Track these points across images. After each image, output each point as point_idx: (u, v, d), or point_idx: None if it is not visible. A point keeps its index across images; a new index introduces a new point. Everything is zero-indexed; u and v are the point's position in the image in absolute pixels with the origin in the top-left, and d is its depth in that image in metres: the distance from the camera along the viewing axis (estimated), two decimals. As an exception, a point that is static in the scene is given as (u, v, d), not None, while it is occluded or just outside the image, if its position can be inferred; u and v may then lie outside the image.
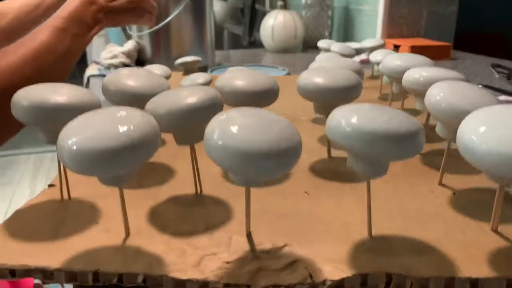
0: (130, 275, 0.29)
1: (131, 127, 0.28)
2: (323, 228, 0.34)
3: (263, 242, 0.32)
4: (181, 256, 0.30)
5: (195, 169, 0.39)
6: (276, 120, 0.29)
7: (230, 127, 0.27)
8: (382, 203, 0.37)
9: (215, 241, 0.32)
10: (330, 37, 1.36)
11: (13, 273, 0.29)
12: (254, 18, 1.68)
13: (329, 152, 0.48)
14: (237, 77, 0.42)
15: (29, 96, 0.33)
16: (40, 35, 0.53)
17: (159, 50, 0.97)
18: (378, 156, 0.28)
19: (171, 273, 0.29)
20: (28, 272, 0.29)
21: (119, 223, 0.33)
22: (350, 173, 0.43)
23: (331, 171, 0.44)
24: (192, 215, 0.36)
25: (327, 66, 0.48)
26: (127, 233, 0.33)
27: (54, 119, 0.33)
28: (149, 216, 0.35)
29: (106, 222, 0.35)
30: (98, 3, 0.60)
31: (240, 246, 0.32)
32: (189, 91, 0.35)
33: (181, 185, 0.41)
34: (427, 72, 0.44)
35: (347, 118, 0.29)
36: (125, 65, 0.93)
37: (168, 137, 0.53)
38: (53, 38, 0.54)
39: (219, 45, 1.83)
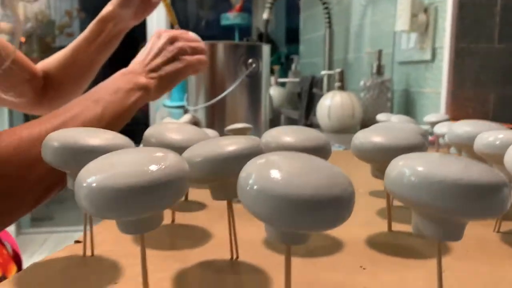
0: None
1: (156, 166, 0.24)
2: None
3: (306, 320, 0.26)
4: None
5: (231, 231, 0.34)
6: (325, 165, 0.24)
7: (270, 170, 0.23)
8: (456, 284, 0.30)
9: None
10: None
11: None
12: (311, 102, 1.69)
13: (389, 225, 0.41)
14: (285, 132, 0.39)
15: (60, 137, 0.31)
16: (73, 107, 0.52)
17: (213, 123, 0.97)
18: (452, 213, 0.23)
19: None
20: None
21: (139, 286, 0.28)
22: (415, 248, 0.36)
23: (392, 245, 0.38)
24: (223, 282, 0.31)
25: (386, 125, 0.44)
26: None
27: (83, 161, 0.30)
28: (175, 280, 0.31)
29: (125, 283, 0.30)
30: (134, 70, 0.61)
31: (277, 322, 0.26)
32: (230, 140, 0.32)
33: (215, 249, 0.36)
34: (503, 134, 0.38)
35: (412, 165, 0.24)
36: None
37: (208, 201, 0.50)
38: (83, 108, 0.52)
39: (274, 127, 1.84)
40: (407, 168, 0.24)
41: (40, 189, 0.46)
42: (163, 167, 0.24)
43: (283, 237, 0.25)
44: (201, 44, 0.67)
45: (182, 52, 0.65)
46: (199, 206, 0.48)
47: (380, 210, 0.47)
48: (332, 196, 0.22)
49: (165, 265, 0.33)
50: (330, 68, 1.58)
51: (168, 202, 0.25)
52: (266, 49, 0.96)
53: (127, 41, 0.83)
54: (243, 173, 0.24)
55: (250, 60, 0.90)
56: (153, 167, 0.24)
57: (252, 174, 0.23)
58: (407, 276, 0.32)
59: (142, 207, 0.24)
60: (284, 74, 2.25)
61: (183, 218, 0.43)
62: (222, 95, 0.93)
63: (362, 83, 1.28)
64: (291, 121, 2.03)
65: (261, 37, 2.50)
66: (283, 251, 0.35)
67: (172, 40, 0.64)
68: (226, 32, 2.75)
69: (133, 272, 0.31)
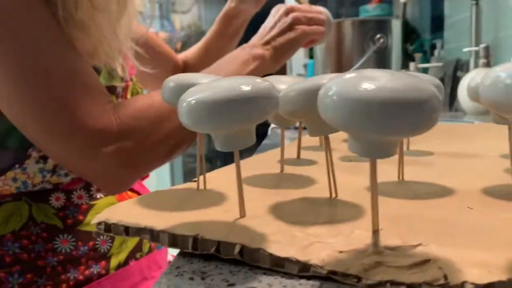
0: (227, 245, 0.26)
1: (245, 86, 0.27)
2: (481, 234, 0.26)
3: (392, 239, 0.26)
4: (289, 239, 0.26)
5: (329, 169, 0.35)
6: (410, 75, 0.24)
7: (347, 79, 0.24)
8: None
9: (333, 232, 0.27)
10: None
11: (126, 230, 0.29)
12: (455, 87, 1.56)
13: (514, 178, 0.37)
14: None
15: (175, 78, 0.36)
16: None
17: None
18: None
19: (270, 249, 0.25)
20: (139, 231, 0.29)
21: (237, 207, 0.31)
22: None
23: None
24: (318, 210, 0.31)
25: None
26: (242, 214, 0.30)
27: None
28: (273, 207, 0.32)
29: (229, 205, 0.33)
30: (250, 44, 0.64)
31: (361, 239, 0.26)
32: (324, 77, 0.33)
33: (318, 190, 0.37)
34: None
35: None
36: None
37: (320, 158, 0.50)
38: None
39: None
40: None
41: (170, 143, 0.52)
42: (250, 86, 0.26)
43: (367, 149, 0.25)
44: (320, 15, 0.68)
45: (296, 22, 0.67)
46: (309, 162, 0.49)
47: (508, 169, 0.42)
48: (413, 98, 0.22)
49: (267, 197, 0.35)
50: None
51: (254, 118, 0.26)
52: (396, 24, 0.92)
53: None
54: (322, 89, 0.25)
55: (377, 36, 0.88)
56: (242, 87, 0.26)
57: (331, 85, 0.24)
58: (520, 215, 0.29)
59: (231, 120, 0.26)
60: (427, 62, 2.12)
61: (292, 169, 0.45)
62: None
63: (512, 59, 1.15)
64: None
65: (403, 25, 2.39)
66: (385, 192, 0.34)
67: (288, 12, 0.67)
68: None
69: (236, 200, 0.34)
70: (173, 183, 2.84)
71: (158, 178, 2.54)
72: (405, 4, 1.60)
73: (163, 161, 0.54)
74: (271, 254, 0.25)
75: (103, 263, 0.58)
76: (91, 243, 0.58)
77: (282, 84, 0.39)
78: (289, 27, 0.67)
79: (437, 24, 2.44)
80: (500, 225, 0.27)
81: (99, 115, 0.49)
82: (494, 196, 0.33)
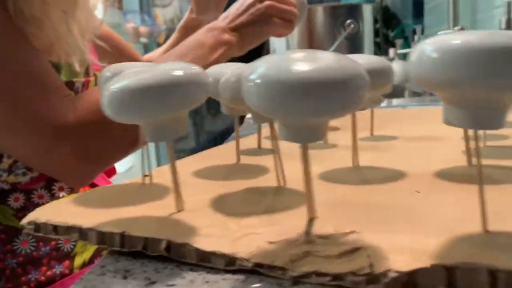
0: (154, 241, 0.24)
1: (166, 73, 0.25)
2: (418, 219, 0.24)
3: (325, 227, 0.24)
4: (222, 232, 0.25)
5: (277, 158, 0.33)
6: (333, 55, 0.22)
7: (268, 62, 0.22)
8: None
9: (269, 222, 0.26)
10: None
11: (56, 229, 0.28)
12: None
13: (469, 161, 0.36)
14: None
15: (115, 68, 0.34)
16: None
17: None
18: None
19: (197, 243, 0.23)
20: (68, 230, 0.28)
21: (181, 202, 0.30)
22: (490, 176, 0.31)
23: (463, 175, 0.33)
24: (260, 200, 0.30)
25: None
26: (179, 208, 0.29)
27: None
28: (216, 199, 0.31)
29: (169, 200, 0.31)
30: (218, 26, 0.62)
31: (294, 229, 0.25)
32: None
33: (267, 179, 0.36)
34: None
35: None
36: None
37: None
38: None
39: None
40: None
41: (130, 135, 0.50)
42: (172, 73, 0.25)
43: (295, 134, 0.23)
44: (293, 9, 0.67)
45: (270, 11, 0.66)
46: (270, 151, 0.47)
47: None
48: (334, 78, 0.20)
49: (212, 190, 0.33)
50: (455, 32, 1.43)
51: (177, 105, 0.25)
52: (367, 9, 0.91)
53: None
54: (243, 74, 0.23)
55: (348, 21, 0.87)
56: (163, 74, 0.25)
57: (251, 69, 0.22)
58: (463, 197, 0.27)
59: (153, 108, 0.25)
60: (409, 48, 2.11)
61: (249, 159, 0.44)
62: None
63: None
64: (416, 95, 1.90)
65: (383, 12, 2.38)
66: (334, 179, 0.33)
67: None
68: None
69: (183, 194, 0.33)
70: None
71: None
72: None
73: (125, 153, 0.53)
74: (197, 249, 0.23)
75: (67, 262, 0.57)
76: (53, 243, 0.56)
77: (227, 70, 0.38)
78: (261, 16, 0.65)
79: (418, 9, 2.43)
80: (440, 210, 0.26)
81: (55, 110, 0.48)
82: (446, 179, 0.32)
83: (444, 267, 0.19)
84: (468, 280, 0.18)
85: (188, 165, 0.42)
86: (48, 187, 0.58)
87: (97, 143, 0.49)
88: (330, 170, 0.37)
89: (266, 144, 0.51)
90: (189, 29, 0.82)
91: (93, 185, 0.63)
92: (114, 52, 0.71)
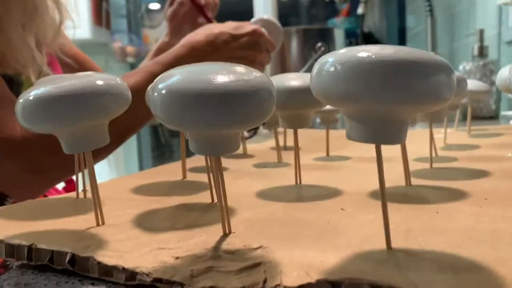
0: (60, 254, 0.24)
1: (79, 82, 0.25)
2: (328, 235, 0.24)
3: (235, 243, 0.24)
4: (131, 246, 0.24)
5: (210, 174, 0.33)
6: (233, 66, 0.22)
7: (170, 75, 0.22)
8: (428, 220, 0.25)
9: (182, 237, 0.25)
10: None
11: (-32, 242, 0.27)
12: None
13: (407, 180, 0.36)
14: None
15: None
16: (131, 78, 0.56)
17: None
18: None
19: (101, 257, 0.23)
20: (-20, 242, 0.27)
21: (107, 215, 0.29)
22: (421, 196, 0.31)
23: (394, 195, 0.33)
24: (184, 216, 0.30)
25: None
26: (99, 222, 0.28)
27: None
28: (142, 214, 0.30)
29: (93, 214, 0.31)
30: (199, 46, 0.62)
31: (204, 245, 0.24)
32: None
33: (205, 196, 0.35)
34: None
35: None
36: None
37: (231, 165, 0.49)
38: (142, 82, 0.55)
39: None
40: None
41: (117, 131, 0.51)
42: (84, 82, 0.25)
43: (200, 146, 0.23)
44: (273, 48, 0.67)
45: (254, 48, 0.66)
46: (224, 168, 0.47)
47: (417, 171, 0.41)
48: (232, 90, 0.20)
49: (144, 205, 0.33)
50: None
51: (87, 115, 0.25)
52: (339, 33, 0.92)
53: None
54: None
55: (319, 44, 0.88)
56: (75, 83, 0.25)
57: (157, 82, 0.22)
58: (391, 215, 0.27)
59: (60, 119, 0.24)
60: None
61: (196, 176, 0.43)
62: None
63: (461, 67, 1.16)
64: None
65: (367, 38, 2.42)
66: (269, 195, 0.33)
67: (254, 34, 0.65)
68: (333, 38, 2.71)
69: (112, 209, 0.32)
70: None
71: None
72: (363, 16, 1.61)
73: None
74: (99, 263, 0.23)
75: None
76: None
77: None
78: (247, 51, 0.65)
79: (401, 36, 2.48)
80: (357, 227, 0.25)
81: (3, 123, 0.48)
82: (377, 198, 0.32)
83: (330, 282, 0.18)
84: (355, 296, 0.18)
85: (131, 180, 0.42)
86: (1, 203, 0.57)
87: (44, 157, 0.49)
88: (271, 188, 0.37)
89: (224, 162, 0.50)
90: (163, 52, 0.83)
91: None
92: (80, 69, 0.71)
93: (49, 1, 0.58)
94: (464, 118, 0.92)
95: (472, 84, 0.58)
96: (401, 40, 2.55)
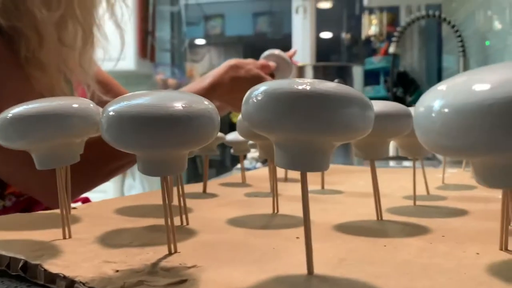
0: (15, 260, 0.26)
1: (47, 104, 0.27)
2: (264, 259, 0.25)
3: (174, 261, 0.25)
4: (83, 258, 0.26)
5: (180, 197, 0.35)
6: (175, 93, 0.24)
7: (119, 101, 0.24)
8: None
9: (130, 253, 0.27)
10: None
11: None
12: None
13: (378, 215, 0.36)
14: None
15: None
16: None
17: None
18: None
19: (48, 265, 0.25)
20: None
21: (78, 230, 0.31)
22: (384, 231, 0.32)
23: (356, 227, 0.33)
24: (145, 235, 0.31)
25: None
26: (65, 235, 0.30)
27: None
28: (109, 232, 0.32)
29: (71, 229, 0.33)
30: (219, 92, 0.66)
31: (146, 261, 0.25)
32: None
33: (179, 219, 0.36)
34: None
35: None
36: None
37: (224, 194, 0.50)
38: None
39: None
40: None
41: (114, 165, 0.54)
42: (54, 104, 0.27)
43: (145, 166, 0.25)
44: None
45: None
46: (212, 195, 0.48)
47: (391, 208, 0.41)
48: (160, 114, 0.22)
49: (119, 224, 0.34)
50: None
51: (52, 135, 0.27)
52: (357, 70, 0.93)
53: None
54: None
55: (336, 80, 0.89)
56: (43, 104, 0.27)
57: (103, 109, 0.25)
58: (332, 246, 0.28)
59: (29, 136, 0.27)
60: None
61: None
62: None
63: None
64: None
65: (402, 77, 2.40)
66: (239, 225, 0.34)
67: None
68: (371, 75, 2.72)
69: (88, 224, 0.34)
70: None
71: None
72: (395, 55, 1.62)
73: (103, 181, 0.56)
74: (45, 270, 0.24)
75: None
76: None
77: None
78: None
79: (439, 75, 2.45)
80: (295, 252, 0.26)
81: None
82: (340, 230, 0.32)
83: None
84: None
85: (121, 201, 0.44)
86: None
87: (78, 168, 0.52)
88: (245, 215, 0.38)
89: (214, 189, 0.52)
90: None
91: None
92: (101, 88, 0.75)
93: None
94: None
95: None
96: (439, 79, 2.51)
